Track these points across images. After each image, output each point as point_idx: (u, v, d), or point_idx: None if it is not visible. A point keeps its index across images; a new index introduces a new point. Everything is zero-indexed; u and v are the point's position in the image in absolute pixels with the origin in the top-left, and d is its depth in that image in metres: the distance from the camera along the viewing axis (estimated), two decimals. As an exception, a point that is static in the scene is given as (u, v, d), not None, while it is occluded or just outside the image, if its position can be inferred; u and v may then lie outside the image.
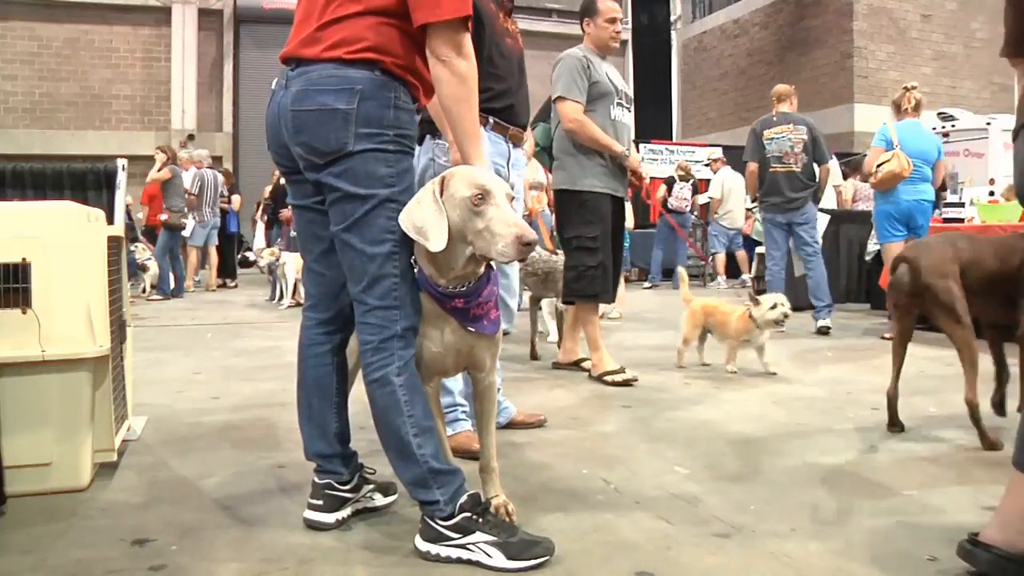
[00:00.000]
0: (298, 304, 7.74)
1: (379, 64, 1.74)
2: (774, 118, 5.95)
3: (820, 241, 6.15)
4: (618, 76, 4.00)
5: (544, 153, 4.16)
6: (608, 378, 3.83)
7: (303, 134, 1.76)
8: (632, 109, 4.01)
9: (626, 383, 3.77)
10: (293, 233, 8.17)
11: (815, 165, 5.82)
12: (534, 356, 4.65)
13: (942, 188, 6.33)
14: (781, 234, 5.92)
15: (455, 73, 1.71)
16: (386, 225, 1.74)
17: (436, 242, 1.68)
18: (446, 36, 1.70)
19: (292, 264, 7.57)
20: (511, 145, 2.71)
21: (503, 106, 2.63)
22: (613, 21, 3.87)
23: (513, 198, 1.78)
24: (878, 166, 5.40)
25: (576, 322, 4.16)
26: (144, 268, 8.89)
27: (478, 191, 1.69)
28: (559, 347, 4.76)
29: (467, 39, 1.73)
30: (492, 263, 1.83)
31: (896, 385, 2.88)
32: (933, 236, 3.04)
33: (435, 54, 1.71)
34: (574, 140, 3.83)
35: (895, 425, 2.88)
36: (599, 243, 3.84)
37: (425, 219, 1.69)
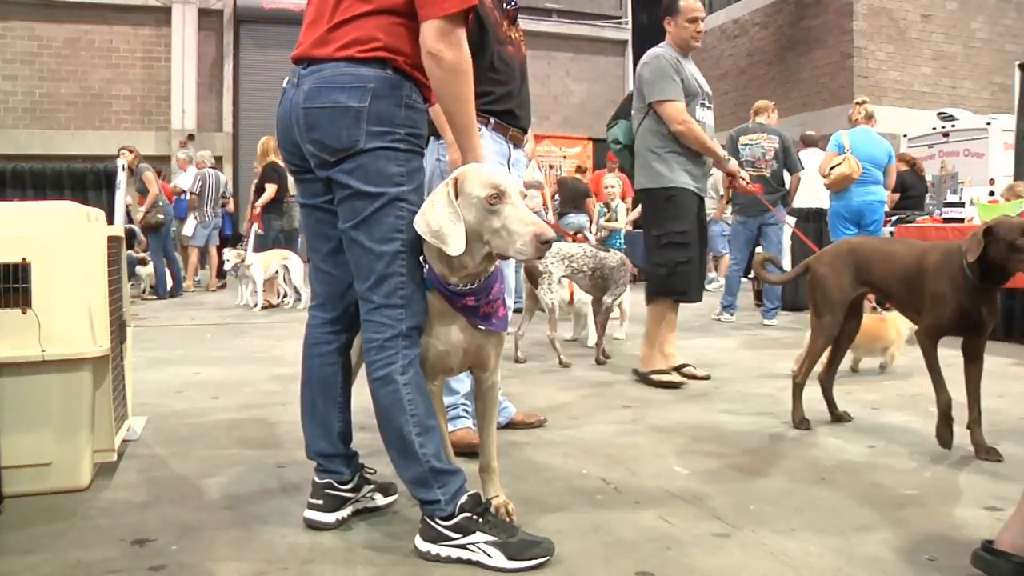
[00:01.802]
0: (270, 305, 7.72)
1: (391, 63, 1.75)
2: (750, 126, 6.44)
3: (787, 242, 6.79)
4: (700, 75, 3.96)
5: (625, 151, 4.09)
6: (655, 376, 3.80)
7: (315, 131, 1.76)
8: (712, 108, 3.97)
9: (671, 384, 3.74)
10: (260, 232, 8.15)
11: (786, 172, 6.28)
12: (599, 360, 4.55)
13: (896, 190, 7.07)
14: (747, 236, 6.38)
15: (445, 66, 1.69)
16: (395, 224, 1.74)
17: (455, 246, 1.68)
18: (441, 30, 1.68)
19: (258, 265, 7.43)
20: (511, 145, 2.73)
21: (503, 109, 2.66)
22: (694, 20, 3.84)
23: (525, 195, 1.79)
24: (831, 168, 5.92)
25: (658, 327, 3.97)
26: (143, 262, 8.86)
27: (493, 190, 1.69)
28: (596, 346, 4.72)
29: (462, 33, 1.72)
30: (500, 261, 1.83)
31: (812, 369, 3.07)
32: (856, 237, 3.16)
33: (427, 47, 1.70)
34: (661, 138, 3.81)
35: (803, 421, 3.01)
36: (689, 239, 3.82)
37: (442, 223, 1.68)
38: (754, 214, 6.26)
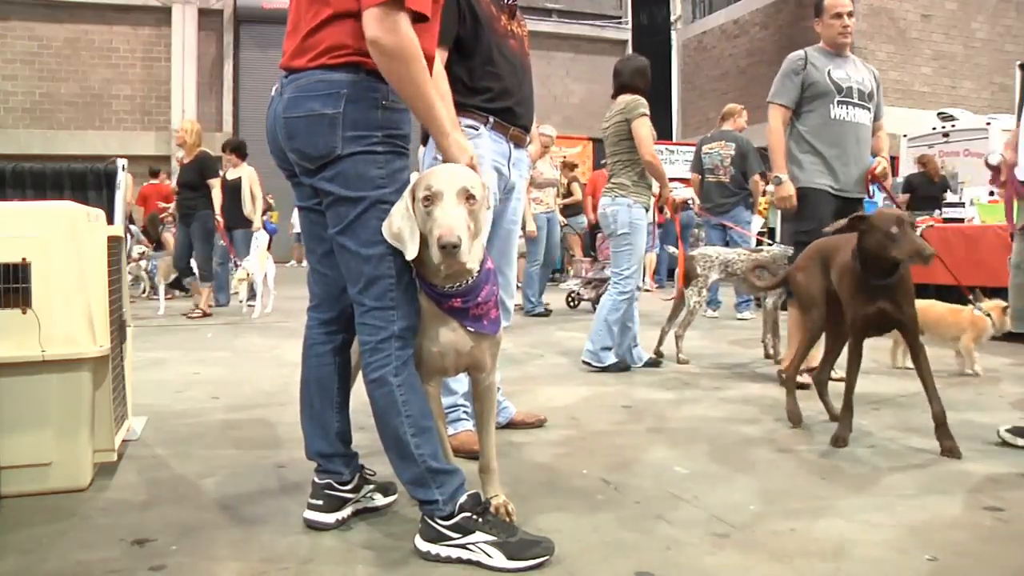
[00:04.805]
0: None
1: (364, 66, 1.73)
2: (709, 135, 6.78)
3: (751, 241, 6.95)
4: (858, 71, 3.94)
5: None
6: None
7: (295, 140, 1.78)
8: (871, 107, 3.93)
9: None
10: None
11: (744, 176, 6.50)
12: (768, 356, 4.62)
13: (904, 191, 7.32)
14: (717, 234, 6.64)
15: (386, 52, 1.64)
16: (379, 226, 1.74)
17: (410, 250, 1.69)
18: (376, 16, 1.63)
19: (258, 268, 7.15)
20: (512, 145, 2.69)
21: (502, 107, 2.61)
22: (838, 16, 3.86)
23: (473, 198, 1.72)
24: None
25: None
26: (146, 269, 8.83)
27: (427, 192, 1.69)
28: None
29: (401, 18, 1.64)
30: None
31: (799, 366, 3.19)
32: (827, 238, 3.15)
33: (368, 37, 1.65)
34: (795, 139, 3.88)
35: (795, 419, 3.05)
36: (809, 239, 3.68)
37: (400, 226, 1.70)
38: (718, 213, 6.52)
